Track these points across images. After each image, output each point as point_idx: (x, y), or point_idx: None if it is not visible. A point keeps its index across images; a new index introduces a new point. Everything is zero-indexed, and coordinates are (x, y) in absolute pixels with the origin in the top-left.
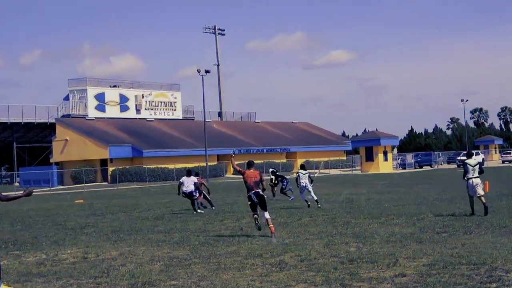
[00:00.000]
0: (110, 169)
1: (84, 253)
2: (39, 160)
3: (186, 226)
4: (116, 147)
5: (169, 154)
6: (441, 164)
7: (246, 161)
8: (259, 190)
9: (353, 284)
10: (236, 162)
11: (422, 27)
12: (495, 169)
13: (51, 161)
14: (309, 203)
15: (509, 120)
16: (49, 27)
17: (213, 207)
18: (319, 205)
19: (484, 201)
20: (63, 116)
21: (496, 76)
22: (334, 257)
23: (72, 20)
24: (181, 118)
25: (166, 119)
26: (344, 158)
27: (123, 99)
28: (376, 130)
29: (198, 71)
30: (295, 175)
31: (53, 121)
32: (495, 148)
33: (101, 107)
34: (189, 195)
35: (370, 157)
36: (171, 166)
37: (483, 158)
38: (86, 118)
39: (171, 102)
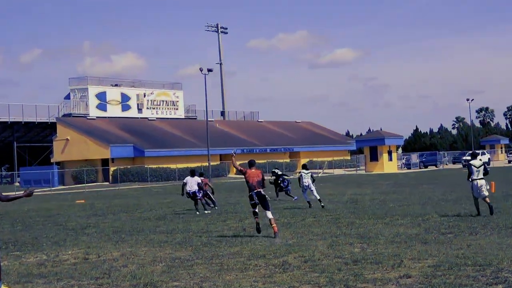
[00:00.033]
0: (112, 169)
1: (85, 253)
2: (39, 160)
3: (188, 227)
4: (118, 147)
5: (171, 153)
6: (447, 164)
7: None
8: (261, 190)
9: (357, 285)
10: (238, 162)
11: (428, 26)
12: (501, 169)
13: (51, 161)
14: (311, 203)
15: None
16: (49, 25)
17: (216, 207)
18: (322, 204)
19: (488, 201)
20: (64, 115)
21: (502, 75)
22: (338, 258)
23: (72, 18)
24: (183, 117)
25: (168, 118)
26: (348, 158)
27: (125, 98)
28: (381, 129)
29: (201, 69)
30: (297, 175)
31: (54, 120)
32: (501, 147)
33: (102, 106)
34: (193, 195)
35: (374, 157)
36: (173, 166)
37: (489, 158)
38: (87, 117)
39: (173, 101)
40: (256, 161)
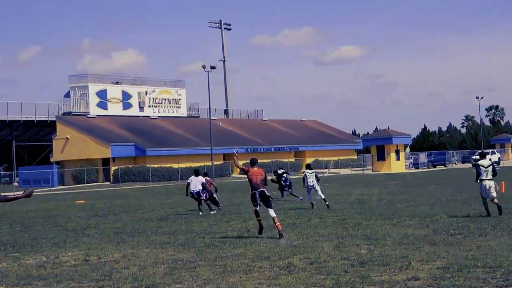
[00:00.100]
0: (112, 168)
1: (86, 255)
2: (39, 159)
3: (191, 228)
4: (119, 146)
5: (173, 153)
6: (456, 164)
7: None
8: (265, 189)
9: (364, 287)
10: (241, 162)
11: (436, 22)
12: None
13: (51, 160)
14: (314, 204)
15: None
16: (48, 23)
17: (220, 208)
18: (327, 203)
19: (497, 202)
20: (64, 113)
21: None
22: (345, 259)
23: (72, 15)
24: (186, 115)
25: (170, 116)
26: (355, 157)
27: (126, 96)
28: (388, 128)
29: (203, 67)
30: (302, 175)
31: (54, 119)
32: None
33: (103, 105)
34: (197, 195)
35: (381, 156)
36: (175, 166)
37: (499, 157)
38: (88, 115)
39: (175, 99)
40: (260, 161)
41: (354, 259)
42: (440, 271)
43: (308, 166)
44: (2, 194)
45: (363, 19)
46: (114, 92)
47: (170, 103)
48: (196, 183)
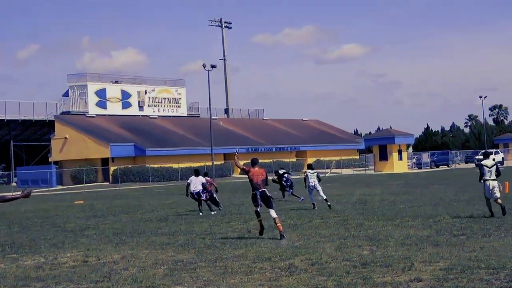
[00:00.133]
0: (112, 168)
1: (85, 256)
2: (37, 159)
3: (191, 228)
4: (118, 146)
5: (173, 153)
6: (459, 164)
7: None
8: (266, 190)
9: None
10: (242, 162)
11: (439, 21)
12: None
13: (49, 160)
14: (315, 205)
15: None
16: (47, 20)
17: (220, 208)
18: (329, 204)
19: (500, 202)
20: (63, 113)
21: None
22: (347, 260)
23: (71, 13)
24: (186, 115)
25: (170, 116)
26: (357, 157)
27: (125, 95)
28: (391, 127)
29: (204, 66)
30: (303, 175)
31: (52, 118)
32: None
33: (102, 104)
34: (197, 196)
35: (384, 156)
36: (175, 166)
37: (502, 157)
38: (87, 115)
39: (175, 99)
40: (261, 161)
41: (356, 260)
42: (443, 272)
43: (310, 166)
44: (0, 194)
45: (365, 17)
46: (113, 91)
47: (170, 103)
48: (196, 183)
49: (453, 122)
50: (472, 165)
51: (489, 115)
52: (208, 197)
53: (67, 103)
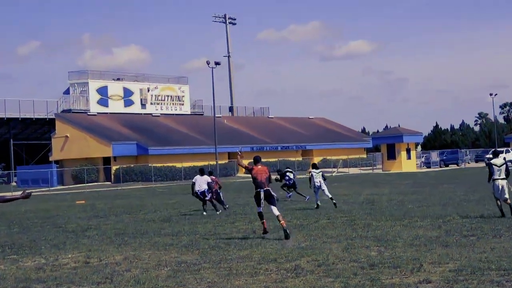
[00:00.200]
0: (114, 167)
1: (86, 257)
2: (37, 158)
3: (195, 229)
4: (120, 145)
5: (176, 151)
6: (469, 163)
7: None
8: (270, 188)
9: None
10: (246, 162)
11: (447, 16)
12: None
13: (50, 159)
14: (319, 204)
15: None
16: (47, 17)
17: (226, 207)
18: (334, 202)
19: (509, 202)
20: (63, 111)
21: None
22: (354, 262)
23: (72, 9)
24: (189, 113)
25: (173, 114)
26: (364, 156)
27: (127, 93)
28: (399, 126)
29: (208, 63)
30: (308, 174)
31: (53, 116)
32: None
33: (103, 102)
34: (202, 195)
35: (392, 155)
36: (178, 165)
37: None
38: (88, 113)
39: (178, 96)
40: (266, 160)
41: (363, 261)
42: (453, 273)
43: (314, 166)
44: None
45: (372, 13)
46: (115, 89)
47: (173, 100)
48: (201, 182)
49: (462, 120)
50: (482, 164)
51: (500, 113)
52: (214, 196)
53: (68, 101)
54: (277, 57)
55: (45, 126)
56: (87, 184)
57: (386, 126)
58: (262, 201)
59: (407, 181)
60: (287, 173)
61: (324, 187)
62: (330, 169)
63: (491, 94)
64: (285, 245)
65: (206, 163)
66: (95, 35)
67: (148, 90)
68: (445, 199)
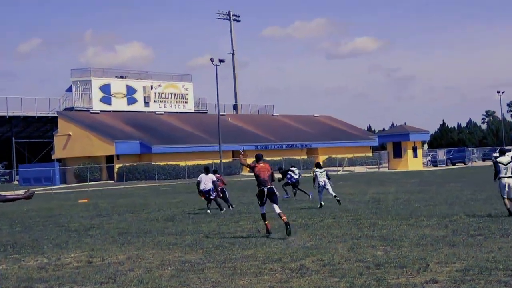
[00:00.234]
0: (117, 166)
1: (89, 257)
2: (40, 156)
3: (199, 228)
4: (123, 143)
5: (180, 150)
6: (476, 161)
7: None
8: (273, 186)
9: None
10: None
11: (455, 13)
12: None
13: (52, 157)
14: (322, 204)
15: None
16: (49, 13)
17: (232, 206)
18: (338, 198)
19: None
20: (66, 109)
21: None
22: (360, 261)
23: (74, 5)
24: (193, 111)
25: (176, 112)
26: (370, 154)
27: (131, 90)
28: (405, 124)
29: (212, 60)
30: (312, 174)
31: (55, 114)
32: None
33: (106, 100)
34: (206, 194)
35: (398, 153)
36: (182, 163)
37: None
38: (91, 111)
39: (182, 94)
40: (271, 158)
41: (369, 261)
42: (460, 273)
43: (318, 165)
44: (1, 193)
45: (379, 9)
46: (118, 86)
47: (176, 98)
48: (206, 181)
49: (470, 118)
50: (490, 163)
51: (507, 111)
52: (220, 195)
53: (71, 99)
54: (282, 54)
55: (48, 124)
56: (90, 183)
57: (392, 124)
58: (265, 200)
59: (413, 179)
60: (289, 171)
61: (328, 186)
62: (335, 168)
63: (498, 92)
64: (290, 245)
65: (210, 161)
66: (97, 32)
67: (152, 88)
68: (452, 198)
